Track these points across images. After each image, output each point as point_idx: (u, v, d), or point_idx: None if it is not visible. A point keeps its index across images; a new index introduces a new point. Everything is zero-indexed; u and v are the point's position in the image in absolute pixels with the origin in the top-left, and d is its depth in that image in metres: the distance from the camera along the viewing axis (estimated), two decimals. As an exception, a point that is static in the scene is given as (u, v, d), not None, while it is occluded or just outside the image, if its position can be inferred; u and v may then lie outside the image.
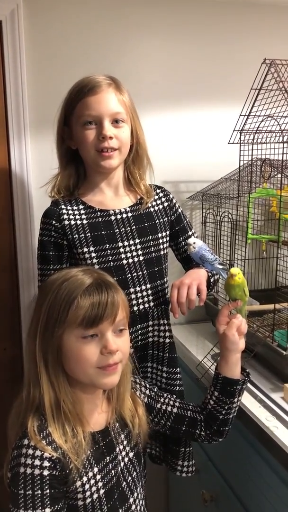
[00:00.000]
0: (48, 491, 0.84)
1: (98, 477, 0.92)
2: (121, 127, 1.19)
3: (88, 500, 0.90)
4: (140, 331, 1.26)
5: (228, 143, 1.50)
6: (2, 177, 1.66)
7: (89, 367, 0.92)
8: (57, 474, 0.85)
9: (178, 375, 1.32)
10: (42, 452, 0.85)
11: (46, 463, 0.84)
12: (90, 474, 0.91)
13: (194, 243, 1.21)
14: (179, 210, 1.35)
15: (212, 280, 1.29)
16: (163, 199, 1.33)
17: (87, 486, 0.90)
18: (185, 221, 1.35)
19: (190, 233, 1.36)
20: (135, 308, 1.23)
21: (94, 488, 0.91)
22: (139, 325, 1.25)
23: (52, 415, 0.90)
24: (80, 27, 1.63)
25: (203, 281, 1.19)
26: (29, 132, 1.63)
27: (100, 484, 0.92)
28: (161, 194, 1.33)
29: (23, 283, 1.70)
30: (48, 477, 0.84)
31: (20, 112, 1.60)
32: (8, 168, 1.65)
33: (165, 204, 1.32)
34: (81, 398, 0.94)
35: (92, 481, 0.91)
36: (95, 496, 0.91)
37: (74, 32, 1.63)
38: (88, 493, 0.90)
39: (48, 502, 0.84)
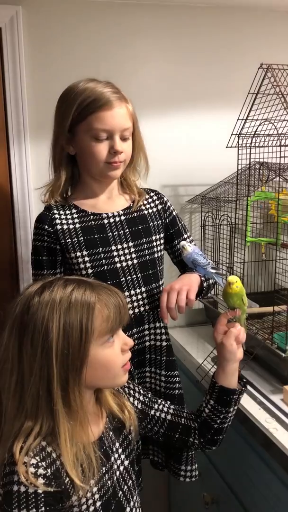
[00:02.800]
0: (43, 509, 0.81)
1: (95, 489, 0.89)
2: (127, 141, 1.20)
3: None
4: (136, 335, 1.26)
5: (226, 147, 1.51)
6: (2, 181, 1.67)
7: (117, 369, 0.92)
8: (52, 491, 0.82)
9: (177, 378, 1.32)
10: (36, 469, 0.81)
11: (40, 480, 0.81)
12: (87, 485, 0.87)
13: (183, 247, 1.21)
14: (174, 213, 1.35)
15: (205, 284, 1.28)
16: (157, 202, 1.33)
17: (83, 499, 0.87)
18: (180, 224, 1.35)
19: (185, 236, 1.36)
20: (131, 311, 1.23)
21: (90, 501, 0.88)
22: (135, 329, 1.25)
23: (65, 445, 0.85)
24: (79, 33, 1.65)
25: (193, 287, 1.18)
26: (29, 137, 1.64)
27: (96, 496, 0.90)
28: (155, 197, 1.34)
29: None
30: (43, 495, 0.81)
31: (20, 118, 1.61)
32: (8, 172, 1.66)
33: (159, 206, 1.33)
34: (87, 410, 0.91)
35: (89, 494, 0.88)
36: (92, 508, 0.89)
37: (73, 38, 1.64)
38: (84, 507, 0.88)
39: None
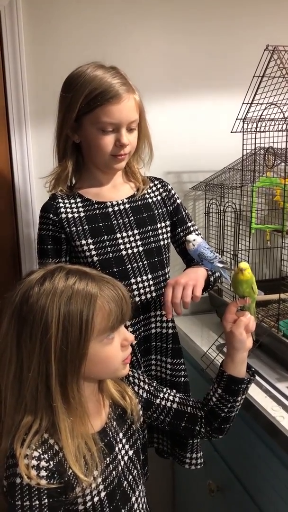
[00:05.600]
0: (46, 501, 0.81)
1: (99, 480, 0.89)
2: (133, 132, 1.19)
3: (89, 504, 0.88)
4: (142, 322, 1.26)
5: (231, 132, 1.48)
6: (4, 168, 1.65)
7: (117, 364, 0.92)
8: (55, 482, 0.82)
9: (183, 366, 1.32)
10: (39, 462, 0.81)
11: (43, 473, 0.81)
12: (91, 478, 0.87)
13: (194, 240, 1.17)
14: (178, 201, 1.34)
15: (212, 279, 1.26)
16: (161, 190, 1.32)
17: (87, 490, 0.87)
18: (183, 212, 1.34)
19: (189, 224, 1.34)
20: (137, 298, 1.22)
21: (94, 492, 0.88)
22: (142, 316, 1.25)
23: (67, 440, 0.84)
24: (80, 16, 1.61)
25: (199, 282, 1.16)
26: (29, 123, 1.61)
27: (101, 487, 0.89)
28: (159, 185, 1.33)
29: (26, 276, 1.69)
30: (46, 486, 0.81)
31: (21, 103, 1.59)
32: (9, 159, 1.64)
33: (163, 194, 1.31)
34: (87, 401, 0.90)
35: (93, 485, 0.87)
36: (96, 499, 0.88)
37: (74, 21, 1.61)
38: (88, 497, 0.87)
39: None
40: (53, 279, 0.85)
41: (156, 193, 1.31)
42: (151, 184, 1.32)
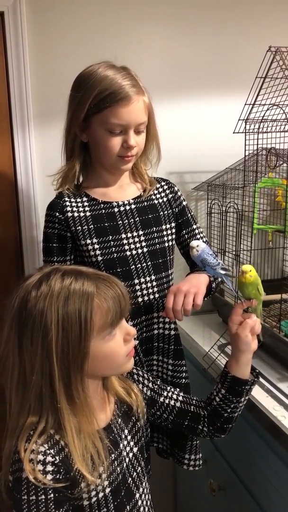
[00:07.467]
0: (52, 495, 0.81)
1: (104, 475, 0.89)
2: (141, 134, 1.19)
3: (94, 499, 0.88)
4: (144, 323, 1.26)
5: (233, 132, 1.49)
6: (7, 170, 1.65)
7: (121, 359, 0.92)
8: (60, 477, 0.83)
9: (184, 368, 1.32)
10: (45, 457, 0.82)
11: (49, 468, 0.82)
12: (96, 473, 0.87)
13: (197, 246, 1.17)
14: (184, 203, 1.34)
15: (214, 285, 1.26)
16: (168, 191, 1.32)
17: (92, 486, 0.87)
18: (189, 215, 1.34)
19: (194, 226, 1.34)
20: (140, 299, 1.23)
21: (99, 488, 0.89)
22: (144, 317, 1.25)
23: (73, 440, 0.85)
24: (83, 17, 1.62)
25: (201, 290, 1.16)
26: (33, 124, 1.62)
27: (106, 482, 0.90)
28: (165, 187, 1.33)
29: (29, 275, 1.70)
30: (52, 481, 0.81)
31: (24, 104, 1.59)
32: (12, 160, 1.65)
33: (170, 196, 1.32)
34: (92, 403, 0.90)
35: (98, 481, 0.88)
36: (101, 495, 0.89)
37: (77, 22, 1.61)
38: (93, 493, 0.88)
39: (53, 507, 0.81)
40: (49, 282, 0.86)
41: (162, 194, 1.31)
42: (158, 185, 1.32)
